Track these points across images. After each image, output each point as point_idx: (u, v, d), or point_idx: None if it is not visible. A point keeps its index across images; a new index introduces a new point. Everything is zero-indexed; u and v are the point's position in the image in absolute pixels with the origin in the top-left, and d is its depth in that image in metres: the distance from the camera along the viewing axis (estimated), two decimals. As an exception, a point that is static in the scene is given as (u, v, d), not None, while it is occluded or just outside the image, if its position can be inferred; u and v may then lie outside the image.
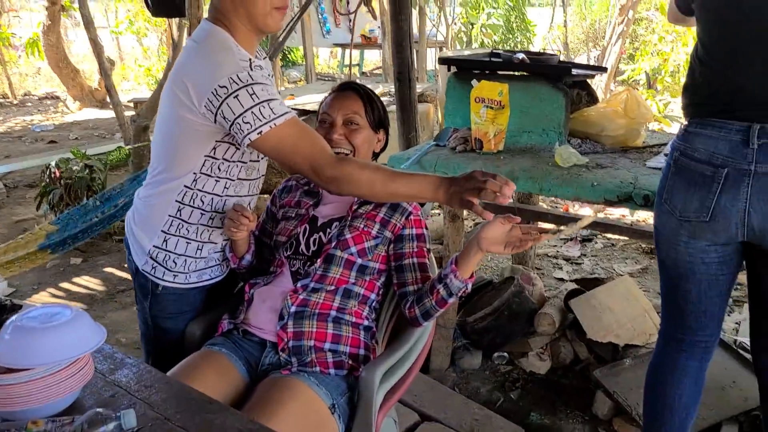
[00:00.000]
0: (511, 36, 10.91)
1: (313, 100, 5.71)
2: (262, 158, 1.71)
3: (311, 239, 1.68)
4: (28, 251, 2.56)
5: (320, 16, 12.22)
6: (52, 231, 2.60)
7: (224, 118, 1.45)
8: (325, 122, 1.73)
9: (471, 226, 3.96)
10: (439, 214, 2.54)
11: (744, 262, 1.66)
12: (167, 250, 1.68)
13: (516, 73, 2.47)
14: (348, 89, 1.76)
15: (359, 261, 1.64)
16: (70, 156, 4.24)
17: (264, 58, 1.71)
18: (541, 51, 5.77)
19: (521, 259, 3.14)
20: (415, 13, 10.01)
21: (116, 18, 11.67)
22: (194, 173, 1.60)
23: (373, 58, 12.57)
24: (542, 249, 3.92)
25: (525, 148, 2.40)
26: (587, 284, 2.91)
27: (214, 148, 1.58)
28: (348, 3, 12.20)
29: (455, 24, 8.05)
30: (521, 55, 2.38)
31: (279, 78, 9.57)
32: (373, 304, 1.71)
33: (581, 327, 2.58)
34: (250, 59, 1.54)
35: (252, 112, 1.43)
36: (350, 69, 4.16)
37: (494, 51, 2.73)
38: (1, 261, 2.55)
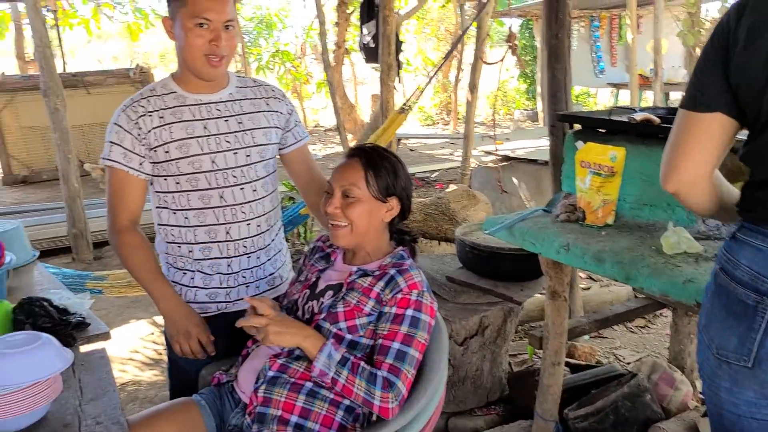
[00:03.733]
0: None
1: (522, 146, 5.48)
2: (218, 185, 1.77)
3: (306, 306, 1.64)
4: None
5: (593, 54, 11.70)
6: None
7: None
8: (328, 192, 1.65)
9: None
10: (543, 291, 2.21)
11: None
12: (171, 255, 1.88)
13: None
14: (352, 156, 1.65)
15: (348, 336, 1.53)
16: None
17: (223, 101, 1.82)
18: None
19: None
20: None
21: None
22: (157, 207, 1.82)
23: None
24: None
25: (642, 224, 1.98)
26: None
27: (152, 183, 1.80)
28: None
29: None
30: (641, 114, 1.96)
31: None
32: None
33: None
34: (151, 95, 1.76)
35: (106, 142, 1.76)
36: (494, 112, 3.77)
37: (640, 109, 2.30)
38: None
